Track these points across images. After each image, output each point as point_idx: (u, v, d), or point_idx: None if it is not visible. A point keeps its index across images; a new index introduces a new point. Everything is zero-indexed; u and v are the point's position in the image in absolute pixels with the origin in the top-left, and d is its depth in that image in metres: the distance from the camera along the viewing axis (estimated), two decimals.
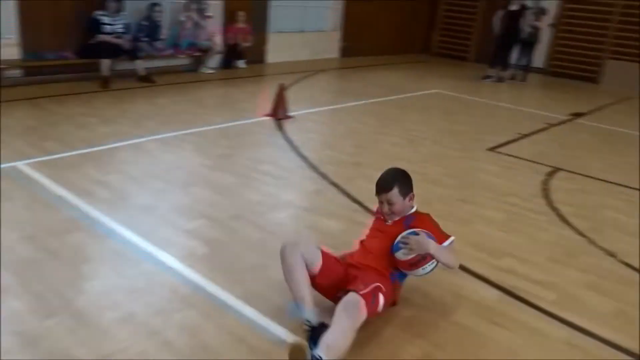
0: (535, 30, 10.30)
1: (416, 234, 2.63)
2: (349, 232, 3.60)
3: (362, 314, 2.33)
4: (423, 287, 2.99)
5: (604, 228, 4.04)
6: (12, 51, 6.84)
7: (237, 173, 4.51)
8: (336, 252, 2.81)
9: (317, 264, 2.60)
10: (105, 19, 7.32)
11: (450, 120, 7.23)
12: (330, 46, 11.82)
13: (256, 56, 10.03)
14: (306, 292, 2.49)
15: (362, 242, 2.88)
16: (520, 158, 5.63)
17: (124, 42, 7.45)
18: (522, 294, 3.01)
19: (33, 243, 3.10)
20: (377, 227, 2.88)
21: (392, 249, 2.66)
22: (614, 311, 2.94)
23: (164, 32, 8.36)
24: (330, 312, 2.36)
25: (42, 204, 3.62)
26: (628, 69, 11.25)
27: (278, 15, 10.56)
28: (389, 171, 2.92)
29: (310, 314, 2.42)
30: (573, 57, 11.92)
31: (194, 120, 5.98)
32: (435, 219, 2.84)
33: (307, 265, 2.57)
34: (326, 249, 2.72)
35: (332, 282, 2.63)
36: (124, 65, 7.70)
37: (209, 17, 8.90)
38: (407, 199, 2.79)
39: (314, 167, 4.82)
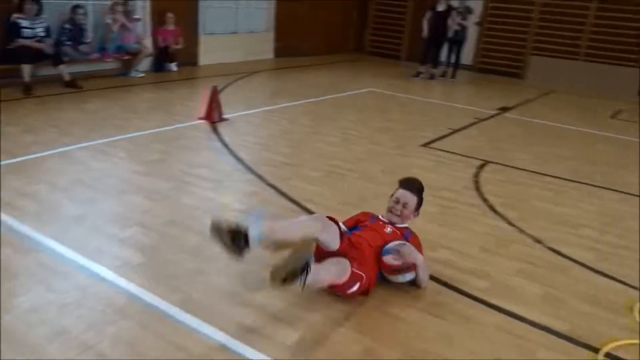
0: (463, 29, 10.66)
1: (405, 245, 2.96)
2: None
3: (341, 278, 2.66)
4: None
5: (531, 217, 4.23)
6: None
7: (172, 178, 4.42)
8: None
9: (335, 245, 2.78)
10: (24, 23, 6.97)
11: (384, 118, 7.37)
12: (263, 47, 11.78)
13: (188, 59, 9.85)
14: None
15: (363, 232, 3.06)
16: (452, 152, 5.81)
17: (46, 46, 7.13)
18: (456, 284, 3.11)
19: None
20: (375, 229, 3.09)
21: (382, 252, 2.92)
22: (543, 295, 3.09)
23: (89, 36, 8.06)
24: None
25: None
26: (550, 64, 11.87)
27: (209, 16, 10.42)
28: (418, 181, 3.31)
29: (258, 232, 2.62)
30: (499, 53, 12.44)
31: (125, 125, 5.80)
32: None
33: (324, 244, 2.75)
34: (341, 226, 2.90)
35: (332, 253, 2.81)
36: (49, 71, 7.36)
37: (136, 19, 8.67)
38: (416, 212, 3.25)
39: (250, 169, 4.79)
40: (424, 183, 3.42)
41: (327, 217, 2.84)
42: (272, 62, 11.70)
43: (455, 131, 6.82)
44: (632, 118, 8.99)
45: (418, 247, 3.07)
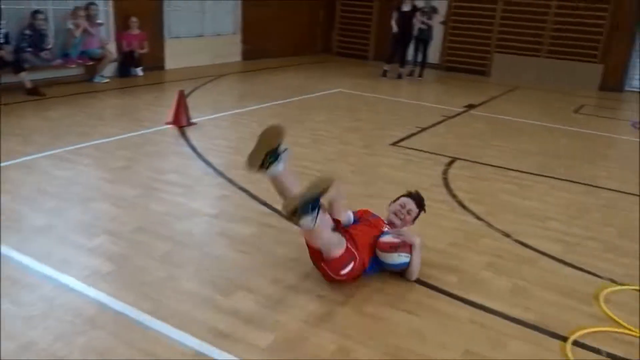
0: (429, 28, 10.79)
1: None
2: (260, 236, 3.60)
3: (338, 250, 2.85)
4: (334, 283, 3.04)
5: (499, 211, 4.31)
6: None
7: (140, 184, 4.35)
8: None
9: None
10: None
11: (353, 118, 7.41)
12: (231, 50, 11.71)
13: (154, 63, 9.73)
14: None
15: (362, 225, 3.24)
16: (421, 150, 5.87)
17: (5, 53, 6.96)
18: (427, 280, 3.14)
19: None
20: (375, 225, 3.27)
21: (380, 236, 3.13)
22: (512, 287, 3.14)
23: (50, 42, 7.88)
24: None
25: None
26: (513, 61, 12.11)
27: (174, 20, 10.32)
28: (422, 197, 3.51)
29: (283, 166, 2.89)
30: (464, 52, 12.64)
31: (91, 132, 5.70)
32: None
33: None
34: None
35: None
36: (9, 78, 7.17)
37: (99, 23, 8.51)
38: (415, 220, 3.43)
39: (220, 173, 4.75)
40: (393, 182, 3.48)
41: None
42: (239, 64, 11.64)
43: (423, 129, 6.90)
44: (595, 112, 9.25)
45: None
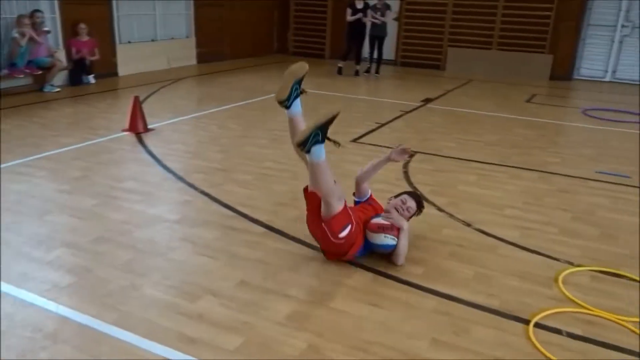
0: (383, 24, 10.90)
1: None
2: (223, 239, 3.57)
3: (338, 204, 3.07)
4: (302, 279, 3.06)
5: (460, 201, 4.39)
6: None
7: (97, 194, 4.26)
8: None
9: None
10: None
11: (312, 117, 7.39)
12: (186, 53, 11.57)
13: (107, 70, 9.52)
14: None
15: (360, 206, 3.49)
16: (381, 146, 5.93)
17: None
18: (392, 272, 3.19)
19: None
20: (374, 209, 3.50)
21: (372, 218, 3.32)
22: (474, 275, 3.22)
23: None
24: None
25: None
26: (466, 55, 12.37)
27: (125, 25, 10.11)
28: (421, 197, 3.71)
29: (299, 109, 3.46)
30: (418, 47, 12.84)
31: (44, 144, 5.53)
32: None
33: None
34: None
35: None
36: None
37: (45, 31, 8.25)
38: (410, 218, 3.52)
39: (180, 178, 4.69)
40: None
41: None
42: (196, 68, 11.50)
43: (382, 125, 6.97)
44: (546, 101, 9.53)
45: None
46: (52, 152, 5.26)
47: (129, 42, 10.24)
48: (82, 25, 8.85)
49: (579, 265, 3.36)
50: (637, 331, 2.70)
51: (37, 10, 8.15)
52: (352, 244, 3.16)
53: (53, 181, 4.55)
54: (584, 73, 12.00)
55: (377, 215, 3.40)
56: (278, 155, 5.46)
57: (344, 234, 3.08)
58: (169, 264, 3.22)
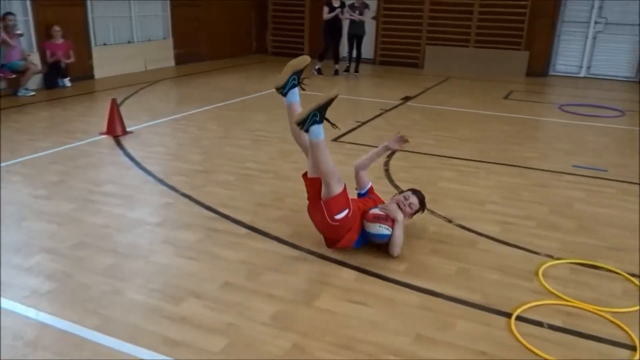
0: (361, 23, 10.93)
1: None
2: (205, 241, 3.55)
3: (337, 186, 3.15)
4: (285, 279, 3.05)
5: (441, 198, 4.43)
6: None
7: (76, 198, 4.20)
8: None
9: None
10: None
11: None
12: (163, 55, 11.47)
13: (83, 72, 9.41)
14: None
15: (361, 200, 3.58)
16: (362, 144, 5.96)
17: None
18: (376, 270, 3.20)
19: None
20: (374, 201, 3.58)
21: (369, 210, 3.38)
22: (456, 270, 3.25)
23: None
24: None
25: None
26: (444, 53, 12.47)
27: (101, 27, 10.00)
28: (424, 196, 3.71)
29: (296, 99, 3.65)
30: (397, 46, 12.91)
31: (19, 149, 5.44)
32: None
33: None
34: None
35: None
36: None
37: (18, 34, 8.11)
38: (413, 216, 3.64)
39: (161, 181, 4.65)
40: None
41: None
42: (174, 69, 11.41)
43: (362, 123, 7.00)
44: (523, 97, 9.65)
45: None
46: (28, 157, 5.18)
47: (105, 44, 10.12)
48: (57, 28, 8.72)
49: (558, 259, 3.41)
50: (616, 321, 2.75)
51: (9, 13, 8.00)
52: (348, 229, 3.24)
53: (30, 186, 4.48)
54: (560, 69, 12.19)
55: (376, 206, 3.48)
56: (259, 156, 5.45)
57: (340, 216, 3.18)
58: (151, 267, 3.19)
